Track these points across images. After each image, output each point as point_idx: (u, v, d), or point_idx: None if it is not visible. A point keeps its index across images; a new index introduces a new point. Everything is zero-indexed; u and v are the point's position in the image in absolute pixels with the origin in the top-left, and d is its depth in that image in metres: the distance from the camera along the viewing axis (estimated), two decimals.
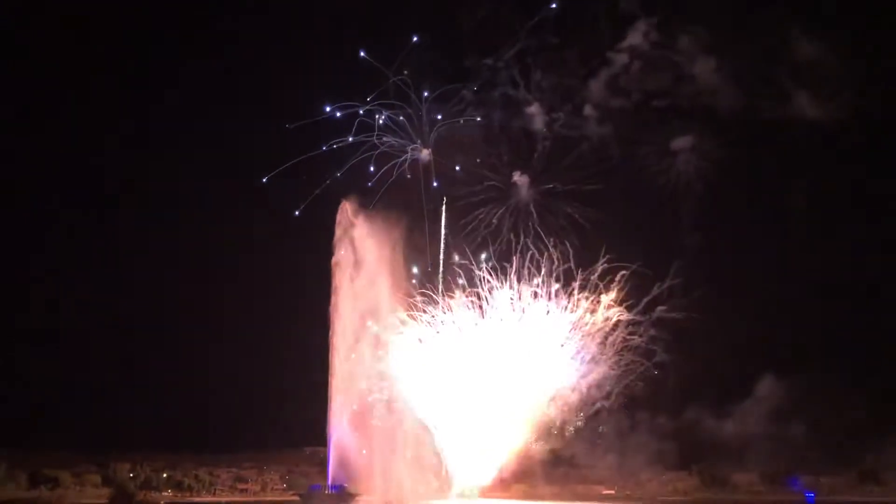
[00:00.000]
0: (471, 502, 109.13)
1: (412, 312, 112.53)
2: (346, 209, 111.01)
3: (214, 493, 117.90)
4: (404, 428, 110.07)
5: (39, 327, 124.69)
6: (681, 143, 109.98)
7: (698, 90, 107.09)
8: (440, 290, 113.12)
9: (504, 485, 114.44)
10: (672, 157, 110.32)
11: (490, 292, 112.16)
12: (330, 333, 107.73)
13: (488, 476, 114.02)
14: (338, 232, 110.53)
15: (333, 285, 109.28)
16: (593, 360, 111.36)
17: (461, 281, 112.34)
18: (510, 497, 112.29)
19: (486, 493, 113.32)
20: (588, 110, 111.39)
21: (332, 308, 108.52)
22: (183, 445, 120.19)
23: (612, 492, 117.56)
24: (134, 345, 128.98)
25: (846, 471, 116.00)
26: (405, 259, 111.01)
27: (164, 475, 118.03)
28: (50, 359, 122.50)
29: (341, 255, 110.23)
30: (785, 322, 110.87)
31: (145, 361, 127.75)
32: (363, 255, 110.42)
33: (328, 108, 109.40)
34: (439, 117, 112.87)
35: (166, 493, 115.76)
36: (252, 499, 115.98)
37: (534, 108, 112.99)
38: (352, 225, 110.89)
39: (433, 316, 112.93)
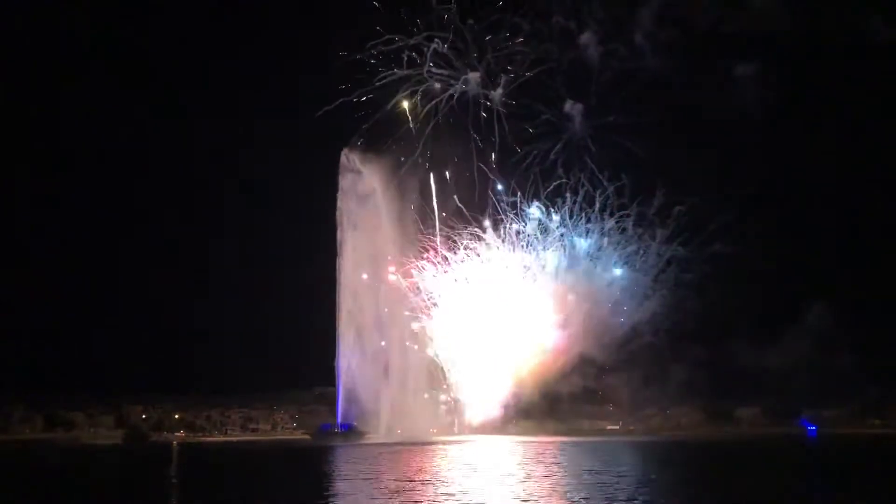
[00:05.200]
0: (467, 439, 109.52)
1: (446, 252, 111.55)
2: (347, 159, 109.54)
3: (226, 433, 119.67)
4: (415, 366, 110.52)
5: (52, 274, 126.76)
6: (744, 70, 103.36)
7: (761, 16, 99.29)
8: (486, 227, 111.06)
9: (513, 421, 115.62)
10: (732, 89, 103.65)
11: (538, 229, 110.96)
12: (336, 272, 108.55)
13: (498, 413, 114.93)
14: (341, 184, 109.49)
15: (338, 230, 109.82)
16: (644, 296, 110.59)
17: (510, 216, 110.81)
18: (518, 434, 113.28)
19: (496, 429, 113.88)
20: (641, 39, 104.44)
21: (338, 251, 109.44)
22: (195, 387, 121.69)
23: (617, 427, 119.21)
24: (147, 289, 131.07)
25: (850, 403, 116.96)
26: (432, 199, 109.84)
27: (176, 416, 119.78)
28: (64, 305, 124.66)
29: (348, 205, 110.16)
30: (838, 257, 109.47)
31: (158, 304, 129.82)
32: (370, 201, 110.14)
33: (368, 45, 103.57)
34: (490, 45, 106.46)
35: (179, 434, 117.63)
36: (263, 438, 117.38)
37: (587, 38, 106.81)
38: (356, 172, 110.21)
39: (478, 254, 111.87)
